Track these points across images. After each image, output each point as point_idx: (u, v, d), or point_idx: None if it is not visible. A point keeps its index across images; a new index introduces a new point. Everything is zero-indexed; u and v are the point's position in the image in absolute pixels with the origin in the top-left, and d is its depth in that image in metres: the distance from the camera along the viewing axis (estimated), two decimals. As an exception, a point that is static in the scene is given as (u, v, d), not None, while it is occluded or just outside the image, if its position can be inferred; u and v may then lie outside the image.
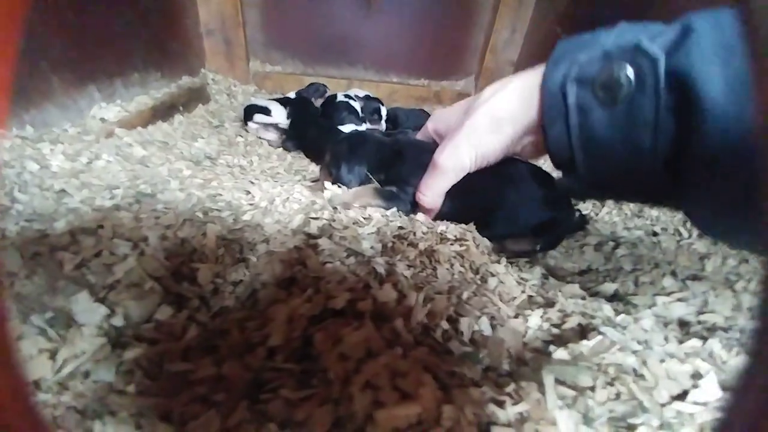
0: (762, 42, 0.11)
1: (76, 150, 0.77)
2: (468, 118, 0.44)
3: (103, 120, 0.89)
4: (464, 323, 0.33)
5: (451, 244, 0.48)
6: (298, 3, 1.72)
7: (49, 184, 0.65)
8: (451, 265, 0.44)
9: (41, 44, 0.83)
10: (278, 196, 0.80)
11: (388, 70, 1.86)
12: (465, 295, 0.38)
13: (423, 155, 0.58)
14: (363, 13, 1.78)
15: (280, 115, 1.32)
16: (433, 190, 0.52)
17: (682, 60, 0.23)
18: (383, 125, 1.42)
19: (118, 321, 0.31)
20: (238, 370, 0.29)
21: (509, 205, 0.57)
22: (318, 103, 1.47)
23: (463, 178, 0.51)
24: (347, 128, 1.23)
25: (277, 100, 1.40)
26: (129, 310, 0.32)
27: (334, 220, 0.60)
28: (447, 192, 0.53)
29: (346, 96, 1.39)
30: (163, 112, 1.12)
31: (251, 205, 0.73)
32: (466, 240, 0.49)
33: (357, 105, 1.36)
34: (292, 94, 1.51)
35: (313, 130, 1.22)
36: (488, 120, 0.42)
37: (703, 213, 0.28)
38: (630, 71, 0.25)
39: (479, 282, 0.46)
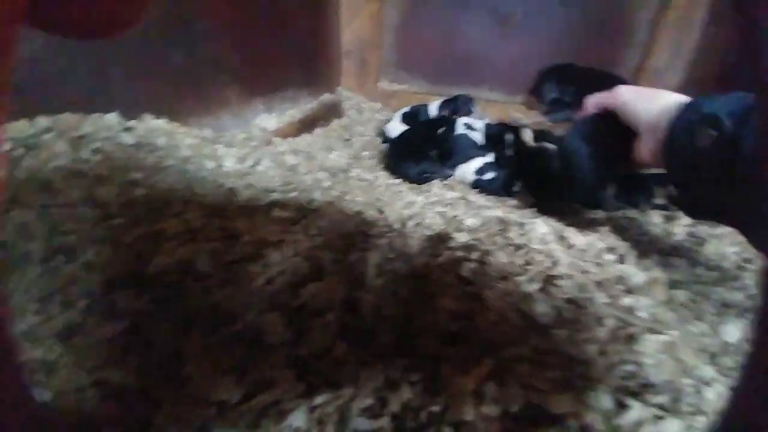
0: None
1: (243, 154, 0.86)
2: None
3: (263, 129, 1.00)
4: None
5: (651, 331, 0.38)
6: (435, 24, 1.75)
7: (222, 182, 0.73)
8: (659, 362, 0.34)
9: (223, 58, 0.96)
10: (409, 219, 0.78)
11: (516, 90, 1.76)
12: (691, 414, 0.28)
13: None
14: (498, 31, 1.73)
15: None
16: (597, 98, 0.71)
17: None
18: (510, 152, 1.32)
19: (302, 350, 0.31)
20: None
21: None
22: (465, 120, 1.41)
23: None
24: (474, 164, 1.16)
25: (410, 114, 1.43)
26: (309, 340, 0.31)
27: (485, 263, 0.55)
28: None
29: (466, 126, 1.32)
30: (308, 124, 1.22)
31: (387, 226, 0.72)
32: (668, 326, 0.38)
33: (477, 135, 1.29)
34: (433, 110, 1.48)
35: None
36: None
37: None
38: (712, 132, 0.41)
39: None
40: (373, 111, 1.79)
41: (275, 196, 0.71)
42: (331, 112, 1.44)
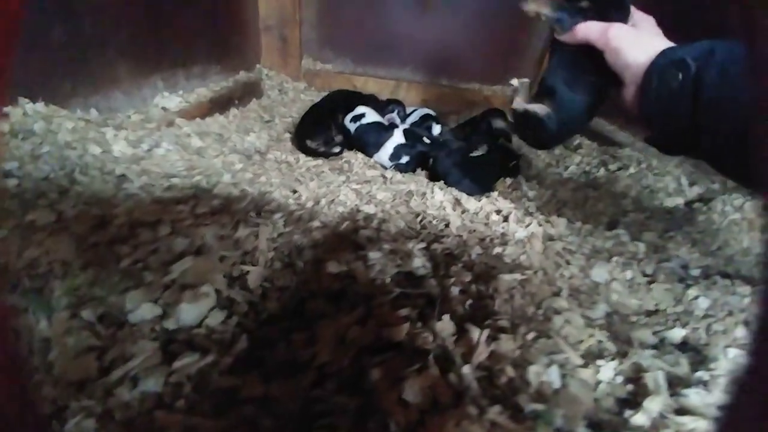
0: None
1: (138, 137, 0.80)
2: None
3: (164, 109, 0.93)
4: (532, 371, 0.29)
5: (511, 271, 0.44)
6: (355, 2, 1.73)
7: (111, 168, 0.67)
8: (511, 297, 0.40)
9: (110, 32, 0.86)
10: (324, 197, 0.80)
11: (438, 72, 1.81)
12: (530, 336, 0.34)
13: None
14: (418, 12, 1.76)
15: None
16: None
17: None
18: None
19: (170, 324, 0.31)
20: (286, 392, 0.27)
21: None
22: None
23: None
24: (386, 150, 1.16)
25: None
26: (182, 313, 0.31)
27: (381, 230, 0.58)
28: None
29: (354, 120, 1.26)
30: (221, 104, 1.15)
31: (299, 205, 0.73)
32: (528, 268, 0.45)
33: (372, 115, 1.27)
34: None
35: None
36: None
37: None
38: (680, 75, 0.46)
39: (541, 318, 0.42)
40: (298, 91, 1.73)
41: (175, 181, 0.67)
42: (249, 91, 1.37)
